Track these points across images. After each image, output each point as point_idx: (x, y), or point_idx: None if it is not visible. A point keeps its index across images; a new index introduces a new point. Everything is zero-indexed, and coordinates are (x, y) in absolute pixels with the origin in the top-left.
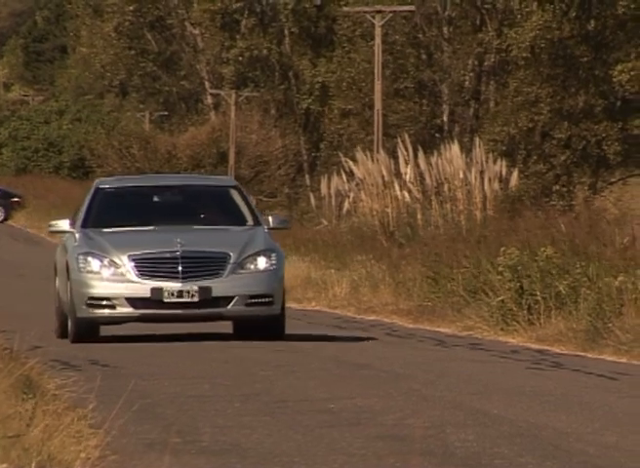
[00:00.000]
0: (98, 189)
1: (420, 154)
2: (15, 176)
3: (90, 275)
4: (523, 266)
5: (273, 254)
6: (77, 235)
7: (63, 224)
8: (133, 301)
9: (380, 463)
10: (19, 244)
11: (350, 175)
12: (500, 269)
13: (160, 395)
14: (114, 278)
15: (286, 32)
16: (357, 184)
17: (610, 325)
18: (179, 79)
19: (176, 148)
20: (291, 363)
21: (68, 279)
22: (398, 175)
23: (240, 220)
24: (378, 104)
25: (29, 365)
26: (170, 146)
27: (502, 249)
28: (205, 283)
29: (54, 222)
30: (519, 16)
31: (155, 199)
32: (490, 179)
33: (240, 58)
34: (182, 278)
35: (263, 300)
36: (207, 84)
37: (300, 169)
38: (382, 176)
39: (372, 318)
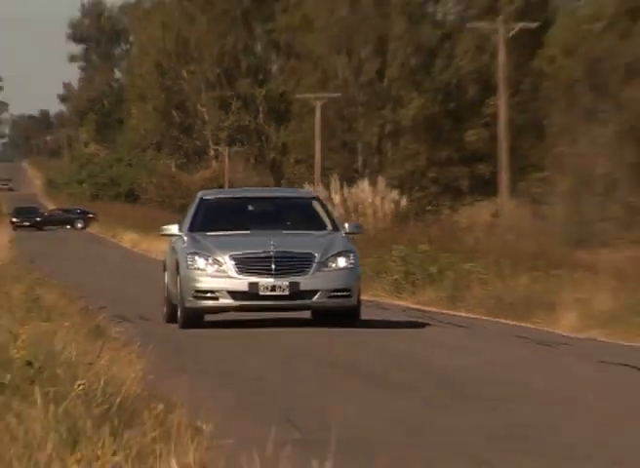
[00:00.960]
0: (202, 199)
1: (345, 187)
2: (90, 201)
3: (197, 271)
4: (408, 257)
5: (351, 255)
6: (185, 238)
7: (173, 228)
8: (233, 294)
9: (326, 384)
10: (92, 245)
11: None
12: (394, 258)
13: (184, 338)
14: (217, 274)
15: (260, 110)
16: None
17: (463, 294)
18: (193, 140)
19: (191, 183)
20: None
21: (178, 274)
22: (330, 200)
23: (321, 226)
24: (317, 156)
25: (99, 319)
26: (187, 182)
27: (395, 245)
28: (294, 279)
29: (165, 227)
30: (406, 99)
31: (249, 208)
32: (388, 203)
33: (231, 127)
34: (275, 274)
35: (343, 294)
36: (210, 143)
37: None
38: None
39: None
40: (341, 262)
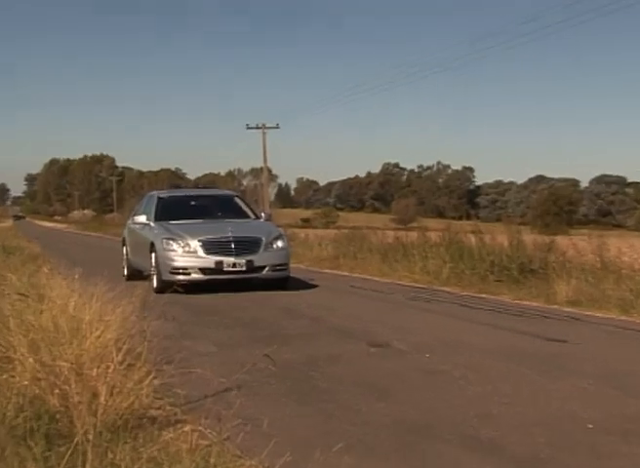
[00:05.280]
0: (159, 197)
1: None
2: None
3: (172, 253)
4: None
5: (284, 238)
6: (153, 225)
7: (142, 218)
8: (203, 270)
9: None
10: None
11: None
12: None
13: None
14: (189, 255)
15: None
16: None
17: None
18: None
19: None
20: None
21: (152, 253)
22: None
23: (246, 216)
24: None
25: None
26: None
27: None
28: (249, 257)
29: (136, 217)
30: None
31: (192, 203)
32: None
33: None
34: (235, 254)
35: (282, 268)
36: None
37: None
38: None
39: None
40: (280, 244)
